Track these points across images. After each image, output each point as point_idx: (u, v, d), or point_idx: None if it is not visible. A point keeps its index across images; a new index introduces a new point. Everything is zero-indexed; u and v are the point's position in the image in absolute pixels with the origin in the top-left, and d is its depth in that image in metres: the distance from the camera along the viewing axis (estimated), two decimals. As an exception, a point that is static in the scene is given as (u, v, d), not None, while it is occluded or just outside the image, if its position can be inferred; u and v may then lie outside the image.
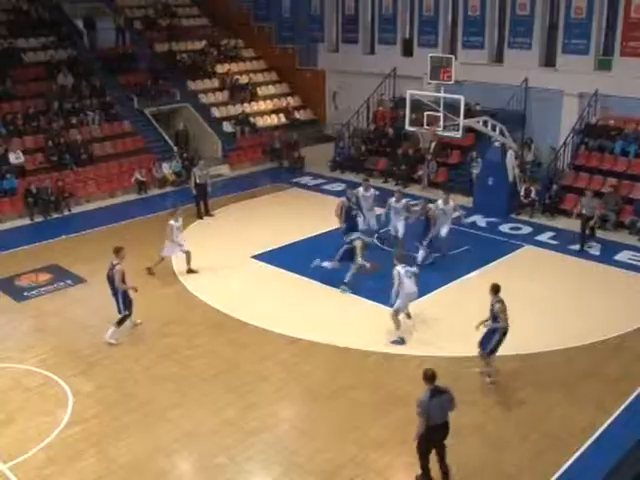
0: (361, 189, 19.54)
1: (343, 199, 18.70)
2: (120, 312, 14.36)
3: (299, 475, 10.41)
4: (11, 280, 17.57)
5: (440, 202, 18.32)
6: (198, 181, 21.88)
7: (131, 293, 14.47)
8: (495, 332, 12.40)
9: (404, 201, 18.85)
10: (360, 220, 18.67)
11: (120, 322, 14.35)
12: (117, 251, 14.37)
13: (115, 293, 14.30)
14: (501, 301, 12.26)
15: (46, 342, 14.49)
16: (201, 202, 22.05)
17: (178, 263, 18.12)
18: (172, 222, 17.37)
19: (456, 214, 18.62)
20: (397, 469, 10.64)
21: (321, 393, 12.44)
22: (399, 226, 18.62)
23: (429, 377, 9.63)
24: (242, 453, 10.92)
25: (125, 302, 14.36)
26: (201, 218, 21.92)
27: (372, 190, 19.65)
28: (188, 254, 17.61)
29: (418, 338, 14.38)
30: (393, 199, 18.88)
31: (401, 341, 14.12)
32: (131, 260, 17.98)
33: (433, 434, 9.70)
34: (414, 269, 14.44)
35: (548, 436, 11.22)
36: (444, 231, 18.14)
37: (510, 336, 14.07)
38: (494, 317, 12.28)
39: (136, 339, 14.59)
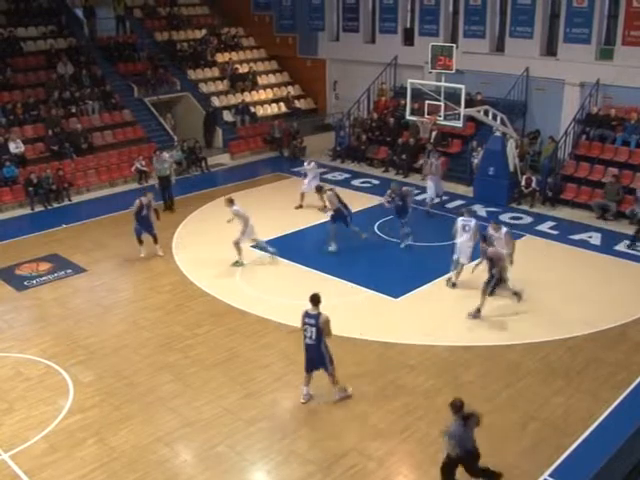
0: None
1: (140, 199, 17.94)
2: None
3: (299, 464, 10.44)
4: (12, 269, 17.58)
5: None
6: (167, 173, 21.93)
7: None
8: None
9: (313, 164, 22.20)
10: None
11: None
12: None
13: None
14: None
15: (46, 331, 14.52)
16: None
17: (179, 251, 18.15)
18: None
19: None
20: (397, 458, 10.66)
21: (321, 382, 12.43)
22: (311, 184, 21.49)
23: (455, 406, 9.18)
24: (242, 442, 10.95)
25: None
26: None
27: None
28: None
29: (418, 326, 14.40)
30: (305, 163, 22.49)
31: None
32: (132, 249, 18.07)
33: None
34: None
35: (548, 425, 11.24)
36: None
37: (510, 325, 14.16)
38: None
39: (137, 328, 14.61)
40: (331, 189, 19.04)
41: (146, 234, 17.96)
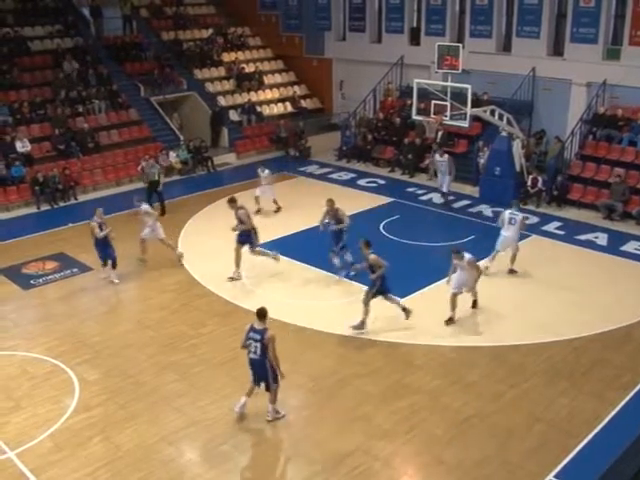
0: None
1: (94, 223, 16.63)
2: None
3: (304, 463, 10.44)
4: (18, 268, 17.63)
5: None
6: (157, 178, 21.83)
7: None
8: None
9: (267, 171, 21.49)
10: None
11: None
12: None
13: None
14: (374, 253, 13.82)
15: (52, 330, 14.56)
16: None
17: (184, 251, 18.19)
18: None
19: None
20: (402, 458, 10.66)
21: (326, 382, 12.46)
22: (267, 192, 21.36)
23: None
24: (247, 441, 10.96)
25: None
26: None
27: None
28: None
29: (424, 327, 14.37)
30: (259, 170, 21.64)
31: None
32: (137, 249, 18.07)
33: None
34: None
35: (553, 426, 11.22)
36: None
37: (516, 326, 14.12)
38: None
39: (142, 327, 14.64)
40: (242, 207, 16.77)
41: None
